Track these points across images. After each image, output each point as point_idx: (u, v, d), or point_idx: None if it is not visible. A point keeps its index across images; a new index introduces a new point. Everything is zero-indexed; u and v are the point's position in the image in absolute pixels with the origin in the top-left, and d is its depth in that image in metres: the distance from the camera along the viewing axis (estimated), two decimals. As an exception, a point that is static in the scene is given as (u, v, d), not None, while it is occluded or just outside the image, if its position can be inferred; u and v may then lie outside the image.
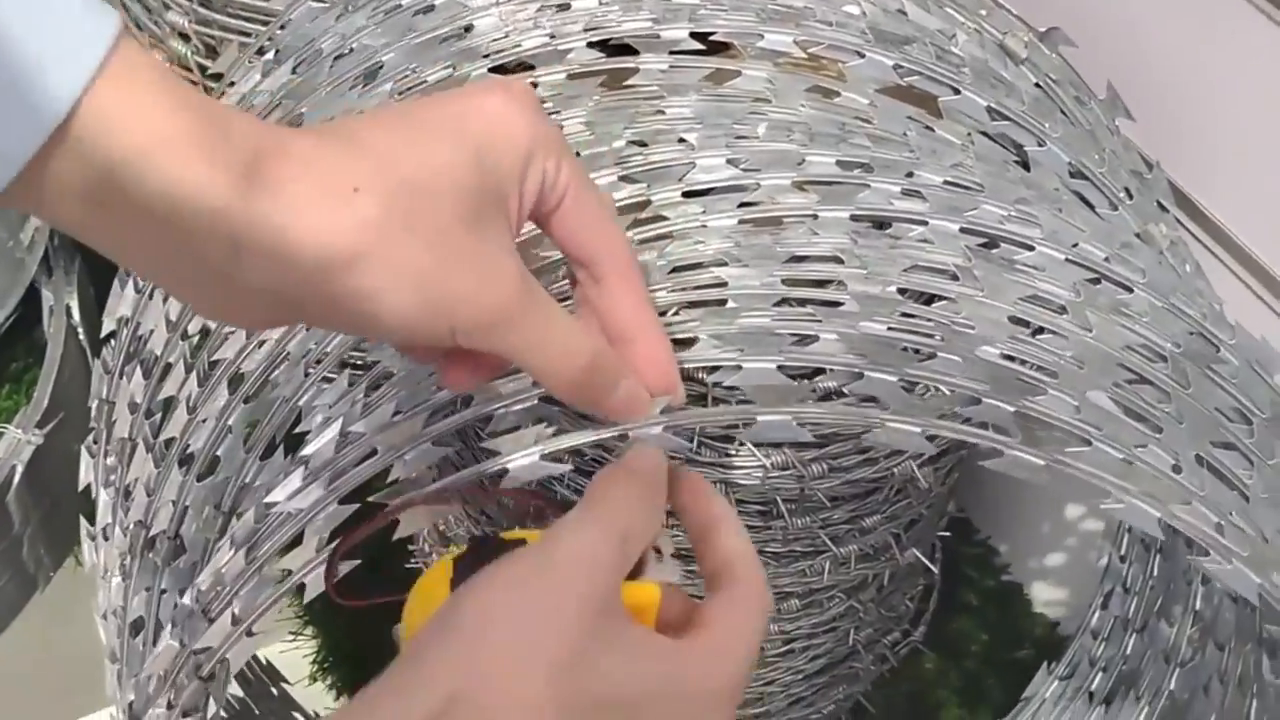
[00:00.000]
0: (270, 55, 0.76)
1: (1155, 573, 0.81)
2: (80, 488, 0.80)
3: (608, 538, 0.43)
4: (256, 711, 0.90)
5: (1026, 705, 0.88)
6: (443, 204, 0.43)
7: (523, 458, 0.53)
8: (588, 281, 0.50)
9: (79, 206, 0.39)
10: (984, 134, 0.68)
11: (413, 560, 0.97)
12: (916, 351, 0.57)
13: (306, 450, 0.62)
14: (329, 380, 0.66)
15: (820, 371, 0.65)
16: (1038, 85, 0.72)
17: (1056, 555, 1.09)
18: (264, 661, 0.93)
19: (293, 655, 1.08)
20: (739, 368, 0.55)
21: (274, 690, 0.92)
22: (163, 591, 0.69)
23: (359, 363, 0.65)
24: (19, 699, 1.05)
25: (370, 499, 0.57)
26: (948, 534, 0.89)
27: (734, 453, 0.66)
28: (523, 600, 0.41)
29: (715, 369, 0.57)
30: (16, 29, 0.36)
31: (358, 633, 1.09)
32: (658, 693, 0.42)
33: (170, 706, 0.61)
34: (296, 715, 0.94)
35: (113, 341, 0.78)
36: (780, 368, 0.55)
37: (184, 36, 0.93)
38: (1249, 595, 0.54)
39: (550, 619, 0.41)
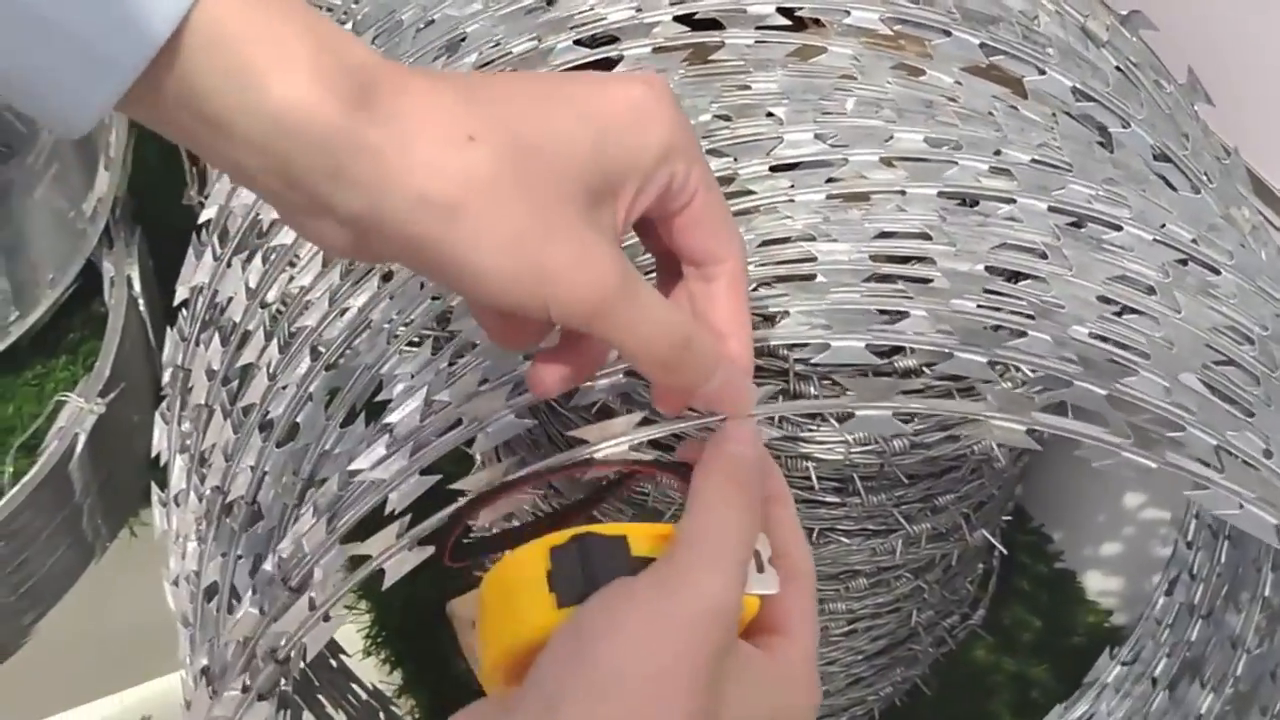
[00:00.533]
0: (348, 26, 0.76)
1: (1223, 559, 0.81)
2: (152, 454, 0.80)
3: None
4: (316, 683, 0.91)
5: (1088, 689, 0.88)
6: (556, 173, 0.42)
7: (610, 448, 0.53)
8: (695, 278, 0.49)
9: (189, 118, 0.39)
10: (1068, 114, 0.67)
11: (470, 535, 0.97)
12: (1001, 329, 0.57)
13: (390, 418, 0.62)
14: (414, 346, 0.66)
15: (900, 349, 0.65)
16: (1118, 69, 0.72)
17: (1111, 545, 1.08)
18: (323, 634, 0.93)
19: (347, 629, 1.09)
20: (827, 346, 0.55)
21: (333, 662, 0.93)
22: (239, 557, 0.69)
23: (442, 333, 0.65)
24: (74, 666, 1.06)
25: (454, 485, 0.57)
26: (1009, 518, 0.89)
27: (815, 428, 0.66)
28: (657, 652, 0.40)
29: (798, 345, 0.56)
30: None
31: (409, 608, 1.09)
32: (776, 708, 0.43)
33: (246, 690, 0.60)
34: (354, 685, 0.94)
35: (185, 310, 0.78)
36: (868, 346, 0.55)
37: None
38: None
39: (685, 672, 0.40)
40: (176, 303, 0.80)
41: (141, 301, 1.07)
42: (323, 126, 0.39)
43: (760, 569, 0.45)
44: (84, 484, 1.01)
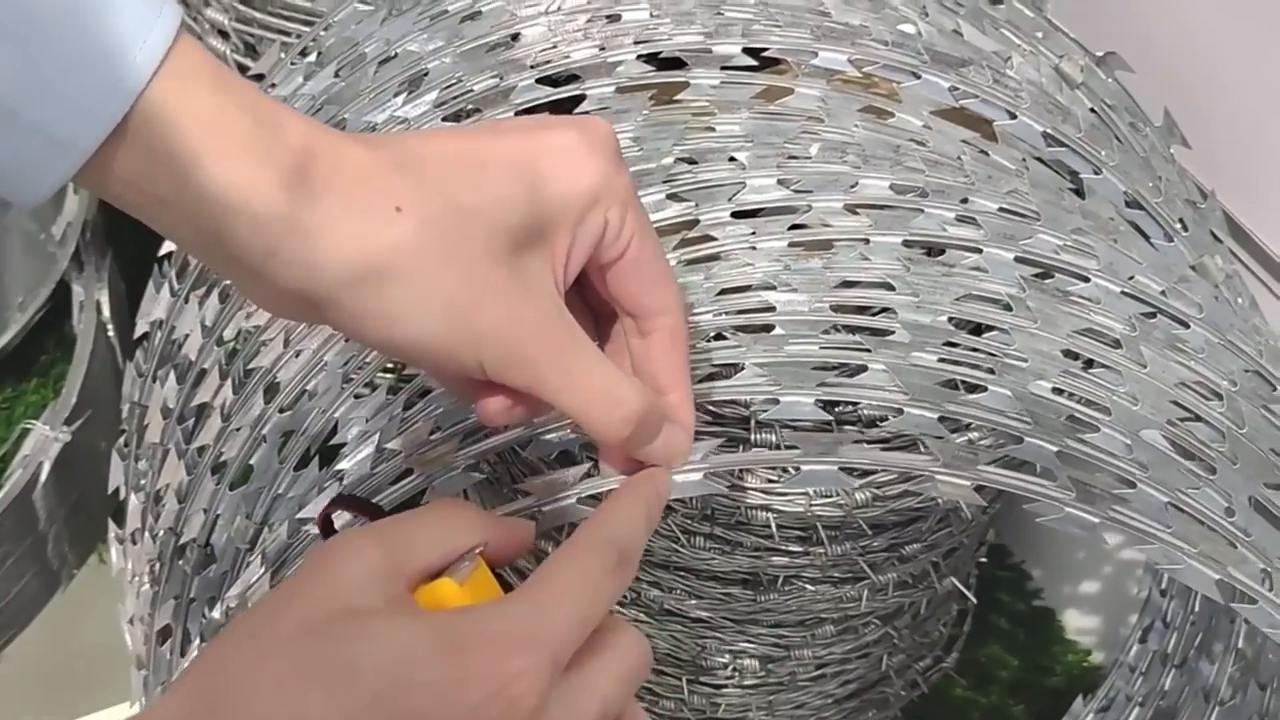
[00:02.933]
0: (313, 58, 0.75)
1: (1197, 608, 0.80)
2: (110, 490, 0.79)
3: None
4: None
5: (1061, 737, 0.87)
6: (484, 236, 0.42)
7: (557, 502, 0.52)
8: (632, 331, 0.49)
9: (134, 194, 0.40)
10: (1039, 159, 0.66)
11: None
12: (964, 383, 0.56)
13: (341, 465, 0.61)
14: (370, 388, 0.65)
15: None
16: (1093, 110, 0.71)
17: (1091, 583, 1.07)
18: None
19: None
20: (776, 401, 0.54)
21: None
22: (191, 600, 0.68)
23: (398, 378, 0.63)
24: (40, 695, 1.04)
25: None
26: (983, 560, 0.87)
27: (777, 479, 0.65)
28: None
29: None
30: (85, 18, 0.37)
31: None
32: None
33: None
34: None
35: (145, 344, 0.77)
36: (819, 401, 0.54)
37: (223, 34, 0.92)
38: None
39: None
40: (136, 336, 0.79)
41: (110, 327, 1.06)
42: (258, 208, 0.40)
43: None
44: (49, 512, 1.00)
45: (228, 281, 0.70)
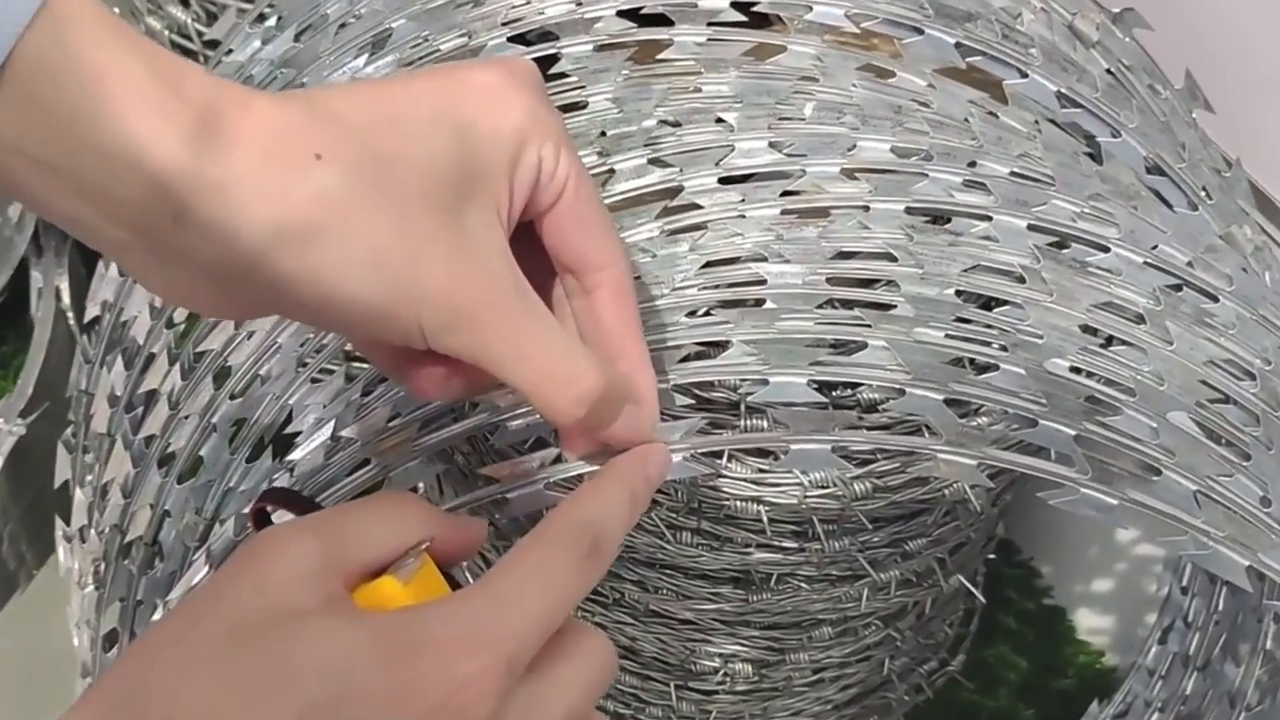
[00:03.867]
0: (272, 21, 0.70)
1: (1221, 607, 0.75)
2: (57, 484, 0.75)
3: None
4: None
5: (1074, 745, 0.82)
6: (416, 180, 0.38)
7: (524, 489, 0.48)
8: (575, 291, 0.45)
9: (22, 163, 0.35)
10: (1052, 122, 0.61)
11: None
12: (973, 362, 0.51)
13: (293, 455, 0.56)
14: (327, 373, 0.60)
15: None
16: (1109, 71, 0.66)
17: (1104, 580, 1.02)
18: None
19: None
20: (765, 382, 0.49)
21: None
22: (138, 603, 0.64)
23: (356, 361, 0.59)
24: (-1, 698, 1.00)
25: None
26: (991, 556, 0.82)
27: (768, 468, 0.60)
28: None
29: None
30: None
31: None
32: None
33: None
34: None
35: (96, 328, 0.73)
36: (812, 382, 0.49)
37: (184, 2, 0.88)
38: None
39: None
40: (87, 320, 0.74)
41: (71, 314, 1.01)
42: (160, 164, 0.35)
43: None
44: (3, 509, 0.95)
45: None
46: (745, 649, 0.72)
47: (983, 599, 0.80)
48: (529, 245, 0.44)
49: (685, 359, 0.52)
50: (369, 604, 0.38)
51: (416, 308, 0.39)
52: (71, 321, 1.03)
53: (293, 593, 0.37)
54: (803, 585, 0.68)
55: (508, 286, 0.40)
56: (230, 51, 0.70)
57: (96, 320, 0.73)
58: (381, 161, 0.38)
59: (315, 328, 0.57)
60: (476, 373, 0.42)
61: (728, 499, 0.61)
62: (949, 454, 0.47)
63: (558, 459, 0.49)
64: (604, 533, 0.41)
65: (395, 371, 0.45)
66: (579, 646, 0.40)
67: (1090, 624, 1.04)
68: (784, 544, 0.65)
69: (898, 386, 0.49)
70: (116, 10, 0.95)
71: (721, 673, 0.74)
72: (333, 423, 0.56)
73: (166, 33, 0.91)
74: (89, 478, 0.70)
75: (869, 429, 0.59)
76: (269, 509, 0.46)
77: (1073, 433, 0.49)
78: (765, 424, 0.59)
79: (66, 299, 1.01)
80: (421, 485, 0.88)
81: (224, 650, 0.35)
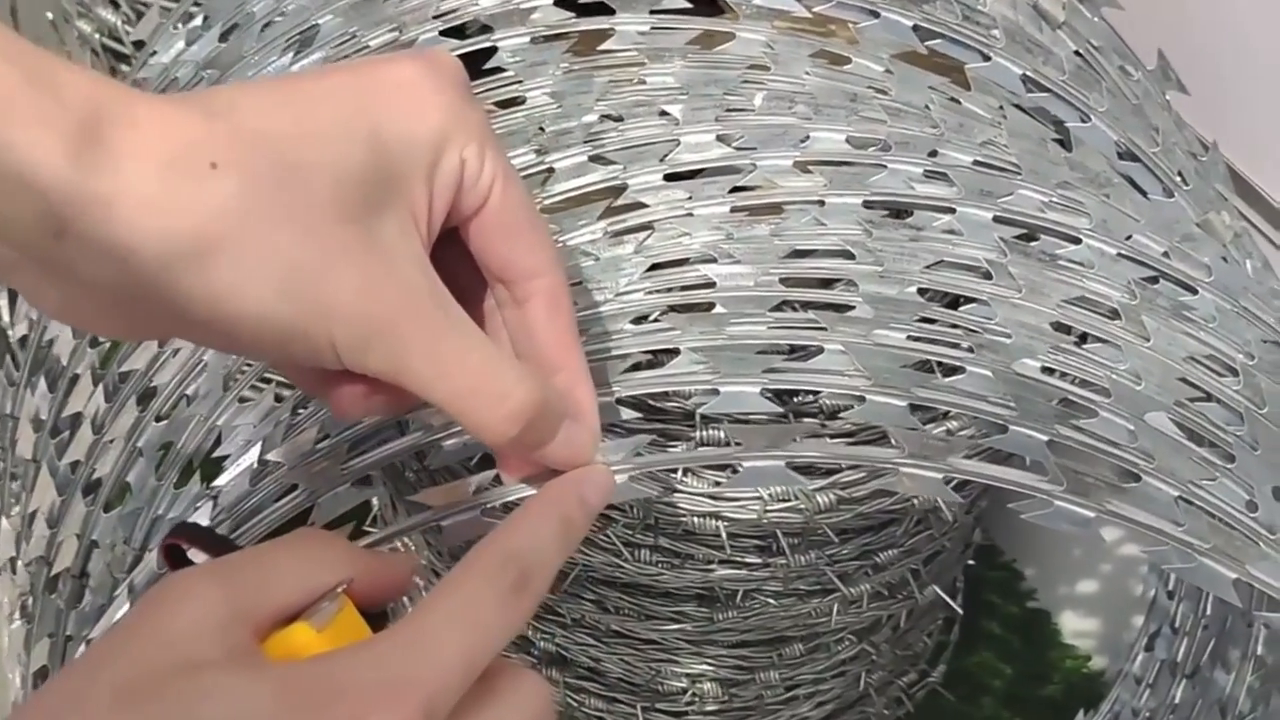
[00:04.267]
0: (198, 20, 0.67)
1: (1209, 611, 0.72)
2: (-16, 514, 0.71)
3: None
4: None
5: (1061, 758, 0.79)
6: (323, 189, 0.35)
7: (462, 513, 0.44)
8: (506, 301, 0.42)
9: None
10: (1018, 107, 0.58)
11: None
12: (939, 365, 0.48)
13: (219, 481, 0.53)
14: (257, 391, 0.57)
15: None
16: (1077, 53, 0.63)
17: (1089, 581, 0.99)
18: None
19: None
20: (716, 392, 0.46)
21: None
22: (68, 638, 0.61)
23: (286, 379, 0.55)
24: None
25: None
26: (970, 563, 0.79)
27: (726, 480, 0.57)
28: None
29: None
30: None
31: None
32: None
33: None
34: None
35: (24, 347, 0.69)
36: (767, 391, 0.46)
37: (114, 3, 0.84)
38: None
39: None
40: (18, 337, 0.71)
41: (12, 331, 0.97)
42: (38, 177, 0.32)
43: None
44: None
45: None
46: (713, 668, 0.69)
47: (960, 610, 0.77)
48: (456, 254, 0.41)
49: (632, 368, 0.49)
50: (280, 654, 0.35)
51: (327, 325, 0.36)
52: (13, 339, 0.99)
53: (194, 645, 0.34)
54: (770, 601, 0.65)
55: (424, 297, 0.37)
56: (155, 53, 0.66)
57: (25, 339, 0.70)
58: (285, 169, 0.35)
59: (227, 352, 0.54)
60: (399, 390, 0.39)
61: (685, 515, 0.58)
62: (913, 467, 0.44)
63: (497, 481, 0.45)
64: (533, 565, 0.37)
65: (317, 390, 0.42)
66: (509, 689, 0.37)
67: (1076, 626, 1.01)
68: (747, 559, 0.62)
69: (857, 393, 0.46)
70: (49, 15, 0.92)
71: (690, 693, 0.71)
72: (259, 446, 0.52)
73: (97, 35, 0.87)
74: (15, 507, 0.67)
75: (832, 437, 0.56)
76: (183, 545, 0.42)
77: (1045, 438, 0.46)
78: (722, 434, 0.56)
79: (7, 316, 0.97)
80: (376, 503, 0.85)
81: (119, 710, 0.33)
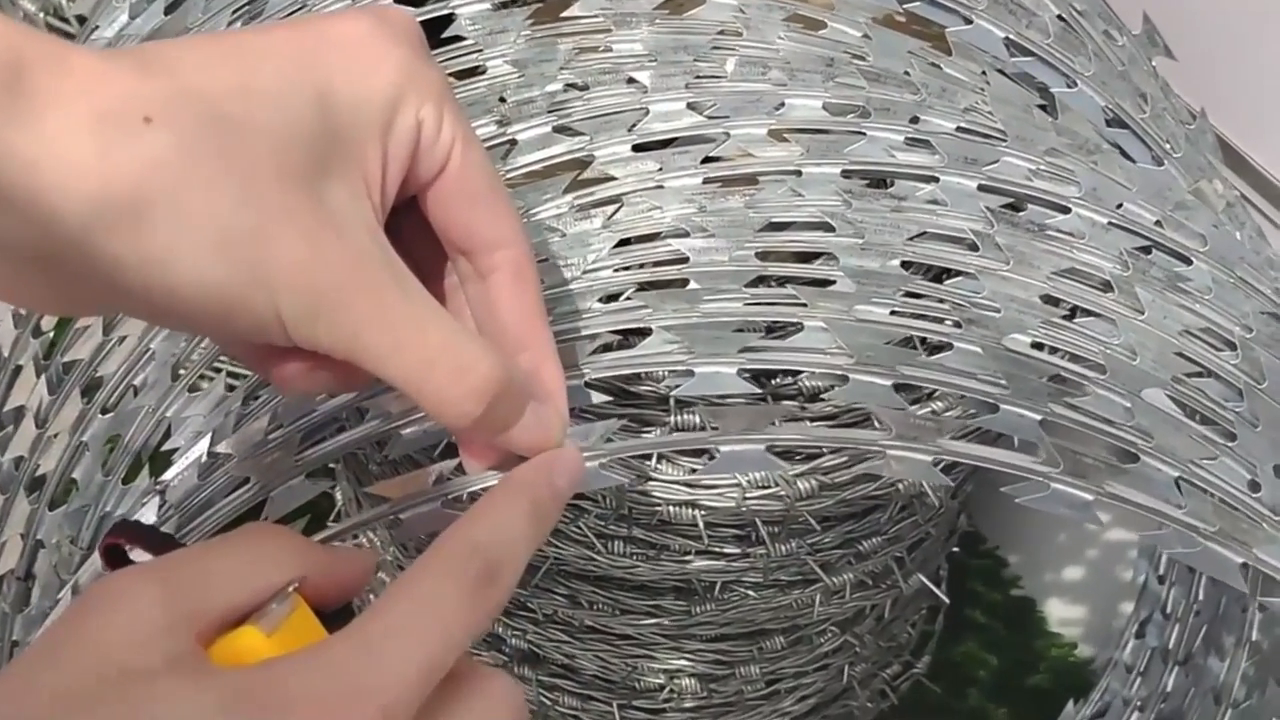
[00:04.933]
0: (147, -6, 0.64)
1: (1201, 596, 0.70)
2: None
3: None
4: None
5: (1050, 750, 0.77)
6: (266, 149, 0.33)
7: (422, 505, 0.42)
8: (468, 275, 0.40)
9: None
10: (1001, 72, 0.56)
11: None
12: (924, 342, 0.46)
13: (167, 475, 0.50)
14: (207, 380, 0.54)
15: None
16: (1060, 17, 0.60)
17: (1075, 568, 0.97)
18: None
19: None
20: (690, 373, 0.43)
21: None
22: (15, 643, 0.58)
23: (236, 367, 0.53)
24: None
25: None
26: (955, 550, 0.77)
27: (702, 466, 0.54)
28: None
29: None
30: None
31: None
32: None
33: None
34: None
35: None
36: (744, 371, 0.43)
37: (58, -19, 0.81)
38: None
39: None
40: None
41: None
42: None
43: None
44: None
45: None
46: (691, 663, 0.67)
47: (946, 599, 0.75)
48: (414, 227, 0.39)
49: (601, 349, 0.46)
50: (227, 659, 0.33)
51: (271, 293, 0.33)
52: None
53: (131, 652, 0.31)
54: (749, 593, 0.62)
55: (377, 266, 0.35)
56: (97, 28, 0.63)
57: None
58: (225, 126, 0.33)
59: (164, 326, 0.51)
60: (348, 366, 0.37)
61: (660, 504, 0.55)
62: (900, 450, 0.42)
63: (459, 469, 0.43)
64: (500, 557, 0.35)
65: (260, 366, 0.39)
66: (476, 692, 0.34)
67: (1062, 614, 1.00)
68: (725, 550, 0.59)
69: (839, 373, 0.44)
70: (-7, -4, 0.89)
71: (667, 689, 0.68)
72: (208, 438, 0.49)
73: (42, 15, 0.84)
74: (-44, 506, 0.64)
75: (813, 420, 0.54)
76: (123, 545, 0.40)
77: (1038, 417, 0.44)
78: (697, 419, 0.53)
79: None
80: (340, 497, 0.82)
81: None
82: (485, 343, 0.37)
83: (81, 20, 0.80)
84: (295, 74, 0.34)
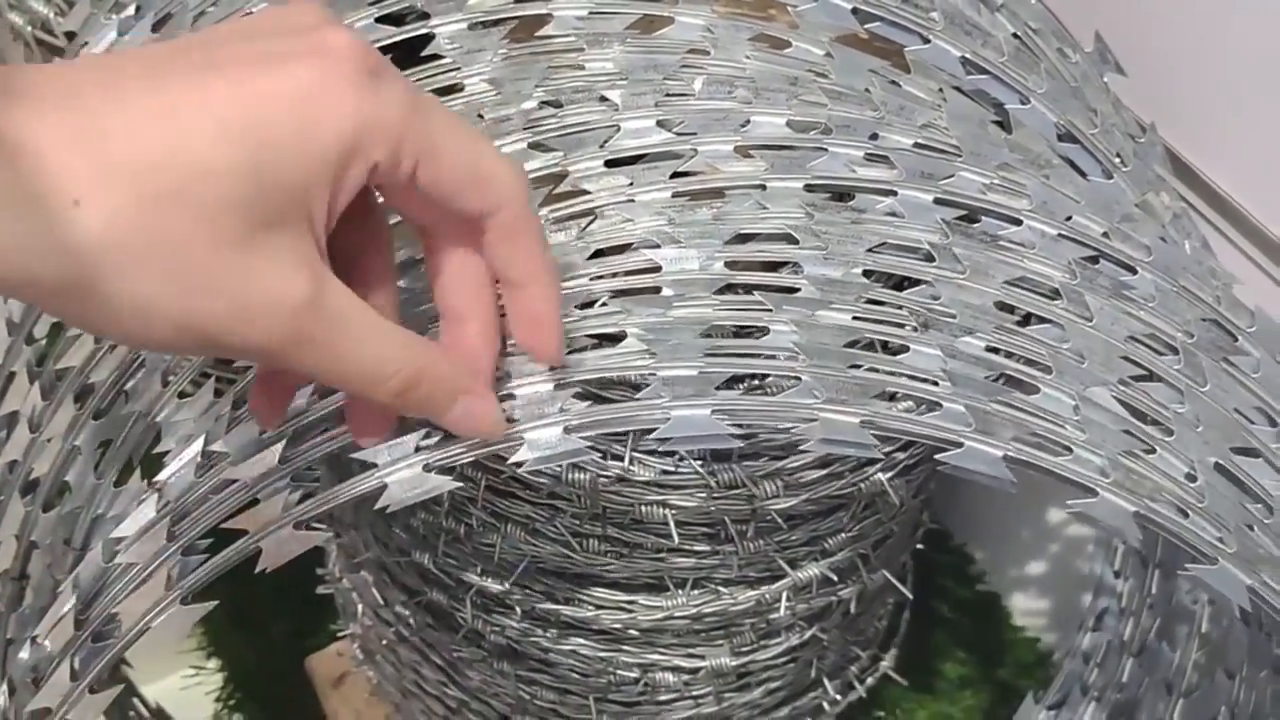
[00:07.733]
0: (130, 10, 0.65)
1: (1154, 590, 0.72)
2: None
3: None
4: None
5: (1012, 739, 0.79)
6: (197, 218, 0.34)
7: (403, 469, 0.44)
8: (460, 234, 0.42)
9: None
10: (957, 89, 0.58)
11: (325, 584, 0.87)
12: (885, 345, 0.48)
13: (161, 475, 0.52)
14: (196, 385, 0.56)
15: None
16: (1016, 36, 0.63)
17: (1038, 563, 1.00)
18: (153, 705, 0.82)
19: (194, 693, 0.97)
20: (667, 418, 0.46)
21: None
22: (9, 642, 0.60)
23: (225, 373, 0.55)
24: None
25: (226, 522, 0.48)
26: (920, 546, 0.79)
27: (673, 469, 0.57)
28: None
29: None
30: None
31: (270, 662, 0.98)
32: None
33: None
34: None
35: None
36: (703, 373, 0.45)
37: (44, -6, 0.83)
38: (1239, 599, 0.46)
39: None
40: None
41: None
42: None
43: None
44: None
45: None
46: (664, 657, 0.69)
47: (910, 594, 0.77)
48: (352, 211, 0.39)
49: (574, 351, 0.48)
50: None
51: (214, 347, 0.36)
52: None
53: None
54: (720, 589, 0.64)
55: (305, 306, 0.36)
56: (86, 44, 0.65)
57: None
58: (154, 204, 0.33)
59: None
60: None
61: (633, 503, 0.58)
62: (832, 412, 0.44)
63: (305, 497, 0.46)
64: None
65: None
66: None
67: (1026, 607, 1.02)
68: (696, 547, 0.61)
69: (793, 374, 0.46)
70: (-20, 9, 0.90)
71: (642, 683, 0.70)
72: (203, 438, 0.51)
73: (29, 29, 0.86)
74: (-49, 508, 0.65)
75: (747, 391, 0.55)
76: None
77: (965, 407, 0.46)
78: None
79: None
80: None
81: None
82: (409, 342, 0.39)
83: (70, 36, 0.82)
84: (233, 137, 0.34)
